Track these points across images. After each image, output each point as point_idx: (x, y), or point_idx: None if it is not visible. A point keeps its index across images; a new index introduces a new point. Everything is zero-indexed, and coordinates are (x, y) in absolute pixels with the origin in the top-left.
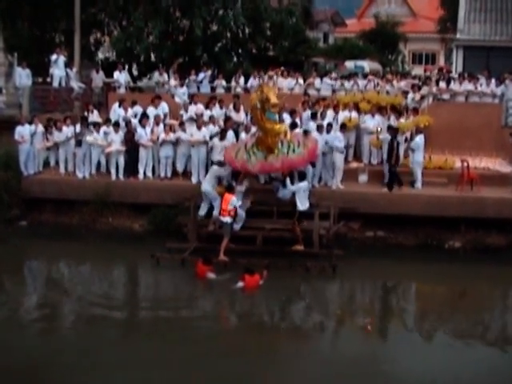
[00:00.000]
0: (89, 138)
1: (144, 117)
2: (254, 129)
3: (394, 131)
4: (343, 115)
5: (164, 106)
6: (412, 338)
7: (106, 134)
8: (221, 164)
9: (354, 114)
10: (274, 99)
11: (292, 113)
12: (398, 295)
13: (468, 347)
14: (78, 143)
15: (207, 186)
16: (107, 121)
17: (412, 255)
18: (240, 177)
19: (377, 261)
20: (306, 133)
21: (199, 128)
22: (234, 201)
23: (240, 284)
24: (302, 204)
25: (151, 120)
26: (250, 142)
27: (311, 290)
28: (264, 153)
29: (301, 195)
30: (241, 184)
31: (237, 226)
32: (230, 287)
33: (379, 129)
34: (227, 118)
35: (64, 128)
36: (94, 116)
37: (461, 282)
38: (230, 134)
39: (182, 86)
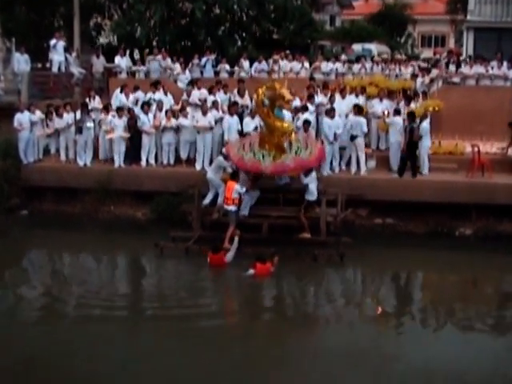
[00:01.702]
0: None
1: (147, 103)
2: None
3: (411, 117)
4: (350, 100)
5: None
6: (421, 327)
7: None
8: (226, 157)
9: (362, 99)
10: (288, 95)
11: (310, 97)
12: (407, 284)
13: (478, 337)
14: (79, 130)
15: (211, 173)
16: (108, 106)
17: (421, 243)
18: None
19: (385, 249)
20: (306, 123)
21: (204, 114)
22: (237, 189)
23: (251, 271)
24: (312, 195)
25: (154, 106)
26: (248, 141)
27: (318, 278)
28: (272, 152)
29: (311, 186)
30: (242, 184)
31: (243, 213)
32: (238, 275)
33: (386, 112)
34: (233, 104)
35: (65, 114)
36: (95, 102)
37: (471, 271)
38: (235, 119)
39: (184, 70)
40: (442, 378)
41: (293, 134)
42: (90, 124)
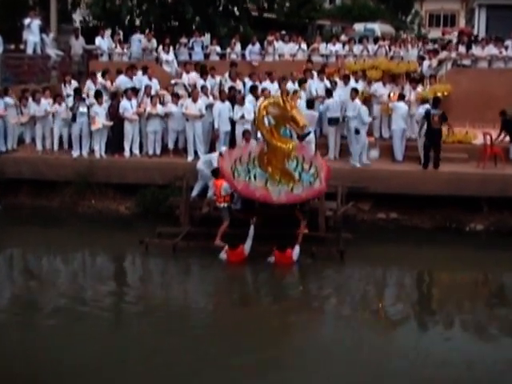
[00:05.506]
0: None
1: (131, 89)
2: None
3: (436, 102)
4: (349, 85)
5: (144, 78)
6: (425, 327)
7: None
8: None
9: (362, 84)
10: (302, 121)
11: (301, 83)
12: (412, 283)
13: (487, 339)
14: (73, 118)
15: (202, 165)
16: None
17: (428, 239)
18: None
19: (389, 245)
20: (310, 103)
21: (195, 100)
22: (225, 188)
23: (272, 258)
24: None
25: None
26: (240, 154)
27: (316, 277)
28: (276, 176)
29: None
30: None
31: (236, 207)
32: (228, 273)
33: (392, 94)
34: (230, 88)
35: (42, 100)
36: (72, 87)
37: (482, 269)
38: (226, 105)
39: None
40: (446, 374)
41: (294, 151)
42: (82, 109)
